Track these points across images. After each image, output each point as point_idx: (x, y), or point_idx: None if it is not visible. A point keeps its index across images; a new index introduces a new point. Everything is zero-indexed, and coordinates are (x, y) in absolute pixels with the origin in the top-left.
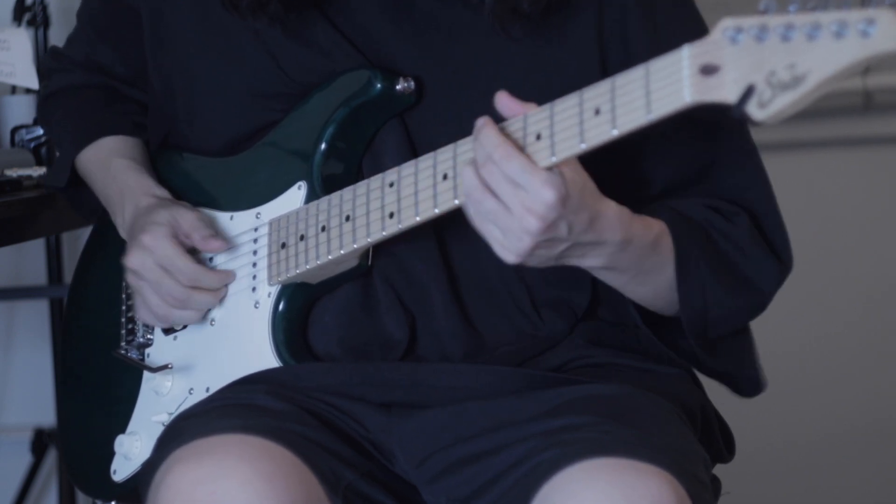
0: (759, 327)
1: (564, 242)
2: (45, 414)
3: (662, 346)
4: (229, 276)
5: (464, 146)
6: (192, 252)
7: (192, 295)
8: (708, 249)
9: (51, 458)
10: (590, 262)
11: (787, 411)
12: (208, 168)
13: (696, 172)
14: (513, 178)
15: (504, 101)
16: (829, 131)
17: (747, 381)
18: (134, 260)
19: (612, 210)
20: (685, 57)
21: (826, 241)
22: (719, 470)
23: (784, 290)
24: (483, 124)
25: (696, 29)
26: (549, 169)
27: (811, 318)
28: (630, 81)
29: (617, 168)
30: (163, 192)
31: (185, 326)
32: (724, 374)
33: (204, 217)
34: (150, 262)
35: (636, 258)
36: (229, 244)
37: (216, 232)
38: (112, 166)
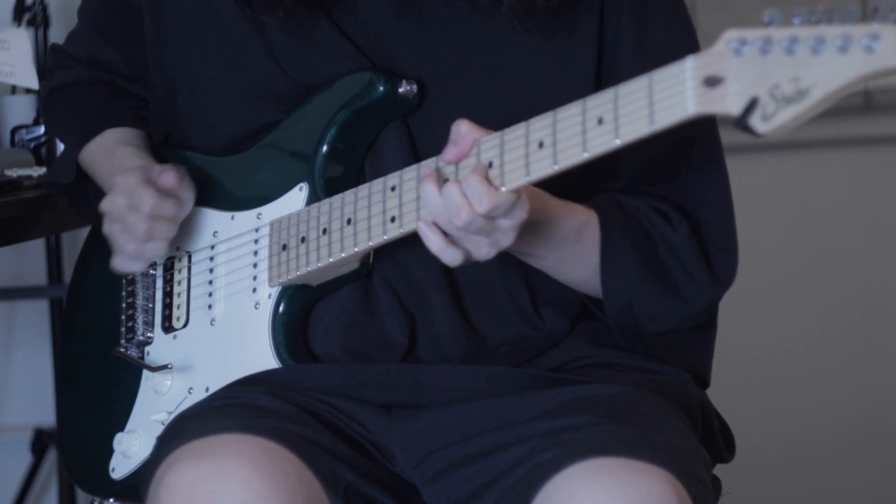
0: (759, 327)
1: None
2: (45, 414)
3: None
4: (178, 201)
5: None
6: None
7: (154, 225)
8: (640, 246)
9: (51, 458)
10: (512, 248)
11: (787, 411)
12: (210, 167)
13: (661, 173)
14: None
15: (463, 129)
16: (829, 131)
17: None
18: (106, 202)
19: (536, 195)
20: (689, 68)
21: (826, 241)
22: (719, 470)
23: (784, 291)
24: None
25: (683, 35)
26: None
27: (811, 319)
28: (633, 91)
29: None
30: None
31: (185, 324)
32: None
33: (179, 167)
34: (120, 199)
35: (555, 244)
36: (179, 175)
37: (180, 172)
38: (117, 153)
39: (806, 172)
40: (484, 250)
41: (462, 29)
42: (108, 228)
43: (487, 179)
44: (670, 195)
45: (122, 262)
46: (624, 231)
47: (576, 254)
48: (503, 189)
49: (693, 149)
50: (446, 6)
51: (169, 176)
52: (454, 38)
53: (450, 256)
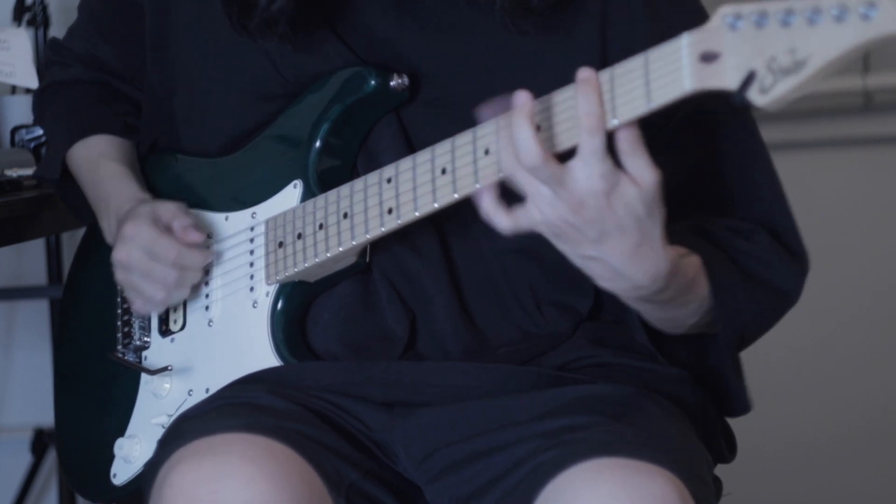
0: None
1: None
2: (45, 414)
3: (660, 356)
4: (208, 254)
5: (462, 139)
6: None
7: (185, 274)
8: (736, 273)
9: (51, 458)
10: (620, 285)
11: (788, 411)
12: (201, 169)
13: (722, 193)
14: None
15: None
16: (829, 131)
17: (738, 398)
18: (120, 252)
19: (667, 258)
20: (684, 45)
21: (826, 241)
22: (721, 470)
23: None
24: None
25: (699, 19)
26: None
27: (811, 318)
28: (629, 71)
29: None
30: (147, 197)
31: (182, 327)
32: (720, 388)
33: (183, 206)
34: (136, 251)
35: (668, 297)
36: (203, 236)
37: (195, 222)
38: (100, 168)
39: (806, 172)
40: (586, 235)
41: (462, 30)
42: (125, 278)
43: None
44: (735, 212)
45: (148, 308)
46: (720, 261)
47: (683, 302)
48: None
49: (743, 164)
50: (446, 8)
51: (194, 235)
52: (454, 39)
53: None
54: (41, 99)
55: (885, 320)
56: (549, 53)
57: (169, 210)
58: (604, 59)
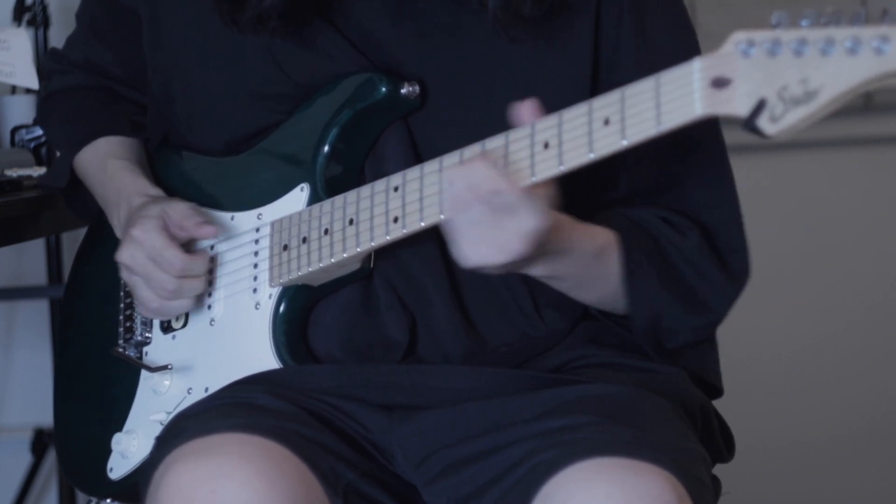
0: (760, 327)
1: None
2: (45, 414)
3: (626, 334)
4: (207, 255)
5: (470, 152)
6: (187, 247)
7: (183, 284)
8: (657, 261)
9: (51, 458)
10: (535, 271)
11: (787, 411)
12: (209, 168)
13: (664, 181)
14: (507, 205)
15: (524, 109)
16: (829, 131)
17: (705, 388)
18: (124, 254)
19: (559, 221)
20: (697, 69)
21: (826, 241)
22: (719, 470)
23: (784, 291)
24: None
25: (683, 35)
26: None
27: (811, 318)
28: (640, 92)
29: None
30: (157, 192)
31: (184, 325)
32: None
33: (194, 206)
34: (141, 255)
35: (577, 268)
36: (222, 231)
37: (209, 219)
38: (108, 167)
39: (806, 172)
40: (494, 250)
41: (460, 32)
42: (128, 279)
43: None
44: (675, 204)
45: (144, 313)
46: (641, 245)
47: (597, 275)
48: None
49: (695, 154)
50: (442, 10)
51: (208, 230)
52: (453, 40)
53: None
54: (45, 109)
55: (885, 320)
56: (546, 55)
57: (178, 210)
58: (596, 66)
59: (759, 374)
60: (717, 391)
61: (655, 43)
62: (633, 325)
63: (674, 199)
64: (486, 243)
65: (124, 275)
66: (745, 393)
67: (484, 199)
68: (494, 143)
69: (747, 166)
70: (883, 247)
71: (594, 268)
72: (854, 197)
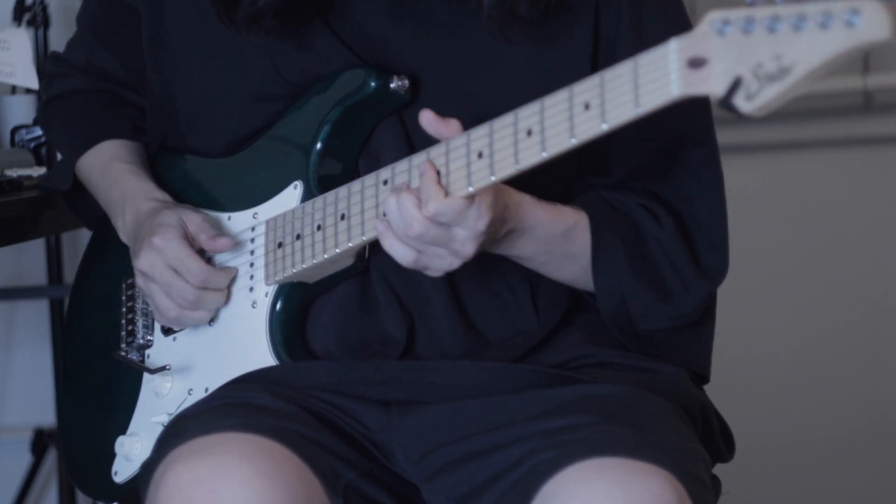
0: (759, 327)
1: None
2: (45, 414)
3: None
4: (232, 272)
5: (456, 142)
6: (199, 253)
7: (203, 295)
8: (630, 242)
9: (51, 458)
10: (500, 250)
11: (787, 411)
12: (207, 169)
13: (653, 171)
14: (450, 222)
15: (428, 119)
16: (829, 131)
17: (690, 376)
18: (144, 262)
19: (520, 200)
20: (672, 50)
21: (826, 241)
22: (719, 469)
23: (784, 291)
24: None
25: (680, 29)
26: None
27: (811, 318)
28: (619, 76)
29: (579, 151)
30: (163, 196)
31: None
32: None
33: (209, 218)
34: (161, 263)
35: (542, 245)
36: (235, 242)
37: (222, 232)
38: (112, 171)
39: (806, 172)
40: (446, 261)
41: (458, 29)
42: (146, 286)
43: (438, 185)
44: (660, 192)
45: (160, 321)
46: (614, 228)
47: (565, 254)
48: (453, 195)
49: (686, 146)
50: (442, 9)
51: (226, 243)
52: (451, 38)
53: (399, 252)
54: (46, 112)
55: (885, 320)
56: (544, 58)
57: (194, 222)
58: (595, 68)
59: (759, 374)
60: (703, 379)
61: (652, 43)
62: (599, 305)
63: (659, 188)
64: (446, 259)
65: (140, 282)
66: (745, 393)
67: (419, 234)
68: (480, 132)
69: (746, 166)
70: (883, 247)
71: (561, 246)
72: (854, 197)
